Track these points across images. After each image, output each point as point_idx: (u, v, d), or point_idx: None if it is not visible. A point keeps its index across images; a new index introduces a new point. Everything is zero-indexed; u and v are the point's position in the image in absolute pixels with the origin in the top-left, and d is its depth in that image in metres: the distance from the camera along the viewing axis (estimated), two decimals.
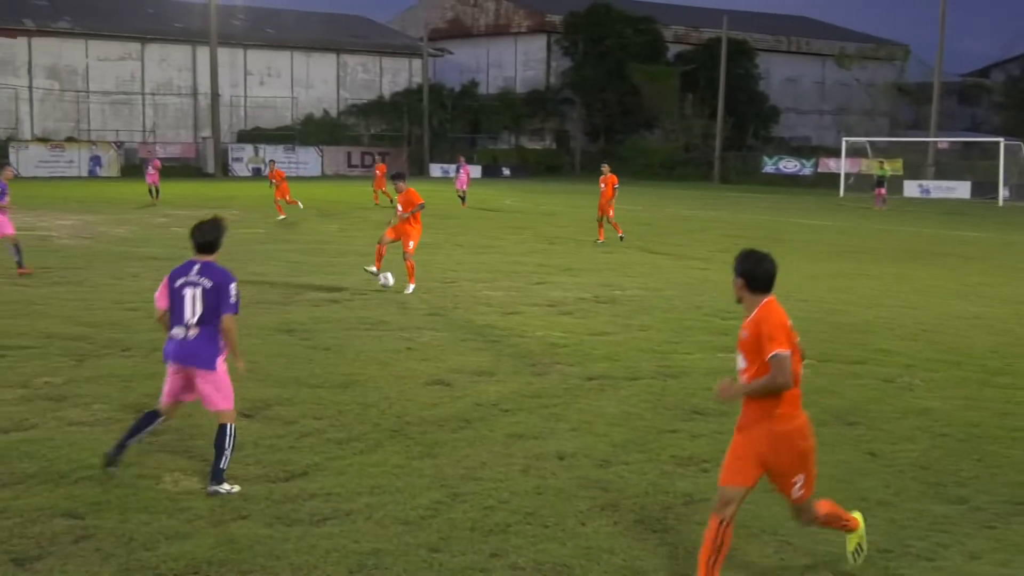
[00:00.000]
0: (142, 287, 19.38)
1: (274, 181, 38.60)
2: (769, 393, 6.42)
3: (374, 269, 19.72)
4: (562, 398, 11.55)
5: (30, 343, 13.87)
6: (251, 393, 11.38)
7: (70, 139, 74.34)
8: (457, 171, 47.78)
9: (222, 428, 8.45)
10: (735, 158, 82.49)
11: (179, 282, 8.44)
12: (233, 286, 8.38)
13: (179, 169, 72.20)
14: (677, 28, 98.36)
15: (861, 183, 63.01)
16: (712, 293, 20.14)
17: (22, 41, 74.78)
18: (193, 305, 8.36)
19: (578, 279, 21.96)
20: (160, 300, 8.54)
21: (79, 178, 68.16)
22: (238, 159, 78.06)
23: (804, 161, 78.15)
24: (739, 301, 6.66)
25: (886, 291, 21.26)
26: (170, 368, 8.58)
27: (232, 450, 8.48)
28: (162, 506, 7.95)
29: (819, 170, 75.41)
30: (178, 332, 8.39)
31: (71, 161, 71.56)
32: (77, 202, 43.32)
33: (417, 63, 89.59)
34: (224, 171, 75.39)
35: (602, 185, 30.43)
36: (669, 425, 10.64)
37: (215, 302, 8.33)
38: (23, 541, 7.28)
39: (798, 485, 6.71)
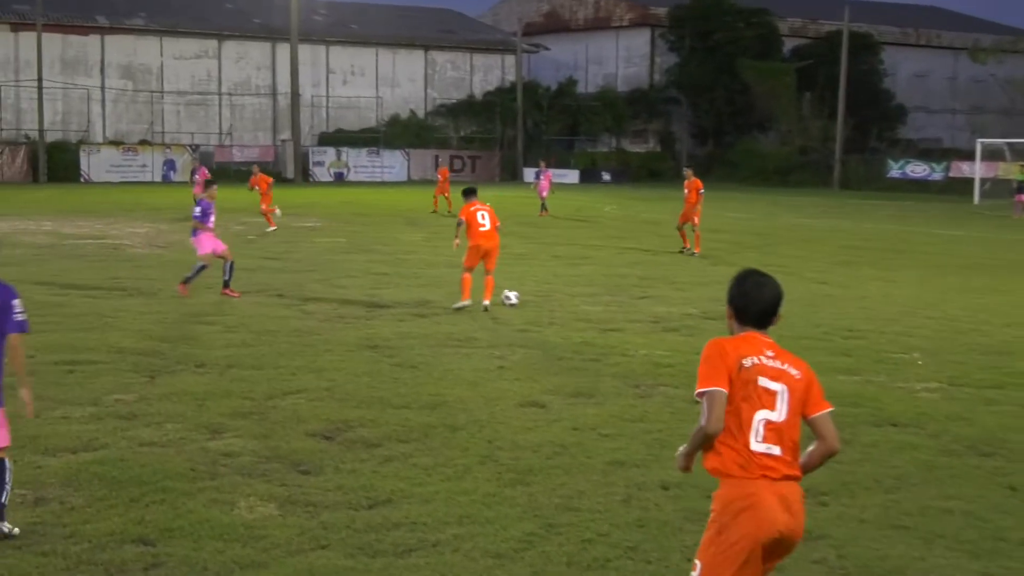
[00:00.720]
0: (217, 300, 19.69)
1: (257, 189, 36.29)
2: (699, 444, 5.61)
3: (486, 303, 19.51)
4: (667, 422, 11.46)
5: (100, 358, 14.15)
6: (332, 414, 11.47)
7: (143, 142, 75.92)
8: (538, 177, 47.77)
9: (0, 463, 7.86)
10: (857, 162, 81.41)
11: None
12: (18, 301, 7.71)
13: None
14: (793, 20, 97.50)
15: (998, 189, 61.76)
16: (831, 309, 19.88)
17: (95, 39, 76.58)
18: None
19: (684, 293, 21.84)
20: None
21: (152, 183, 69.55)
22: (319, 163, 79.02)
23: (934, 165, 76.89)
24: (732, 334, 5.82)
25: None
26: None
27: (10, 485, 7.93)
28: (237, 533, 8.04)
29: (951, 175, 74.16)
30: None
31: (144, 165, 73.08)
32: (150, 209, 44.18)
33: (510, 60, 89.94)
34: (304, 176, 76.30)
35: (686, 191, 30.38)
36: None
37: None
38: (92, 568, 7.40)
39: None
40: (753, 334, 5.70)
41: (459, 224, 19.82)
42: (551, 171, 49.42)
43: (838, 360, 15.02)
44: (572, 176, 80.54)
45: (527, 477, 9.53)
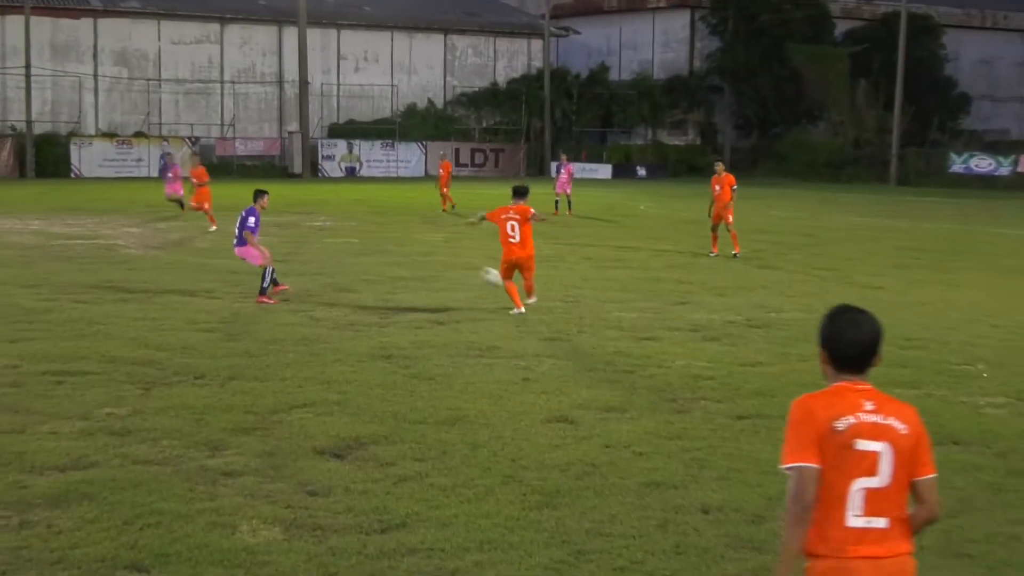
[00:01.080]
0: (219, 305, 19.75)
1: (194, 181, 35.52)
2: (798, 524, 5.16)
3: (520, 309, 19.42)
4: (707, 440, 11.44)
5: (92, 368, 14.20)
6: (342, 430, 11.48)
7: (139, 134, 76.11)
8: (558, 171, 47.35)
9: None
10: (916, 155, 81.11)
11: None
12: None
13: (262, 169, 73.54)
14: (846, 1, 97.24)
15: None
16: (886, 316, 19.73)
17: (87, 23, 76.88)
18: None
19: (726, 299, 21.79)
20: None
21: (148, 179, 69.71)
22: (329, 157, 79.12)
23: (1001, 159, 76.57)
24: (826, 380, 5.43)
25: None
26: None
27: None
28: (238, 559, 8.05)
29: (1019, 169, 73.85)
30: None
31: (139, 159, 73.31)
32: (146, 207, 44.35)
33: (537, 44, 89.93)
34: (313, 171, 76.48)
35: (716, 187, 29.86)
36: None
37: None
38: None
39: None
40: (849, 385, 5.29)
41: (481, 219, 20.31)
42: (572, 165, 48.42)
43: (895, 372, 14.93)
44: (604, 171, 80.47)
45: (554, 499, 9.52)
